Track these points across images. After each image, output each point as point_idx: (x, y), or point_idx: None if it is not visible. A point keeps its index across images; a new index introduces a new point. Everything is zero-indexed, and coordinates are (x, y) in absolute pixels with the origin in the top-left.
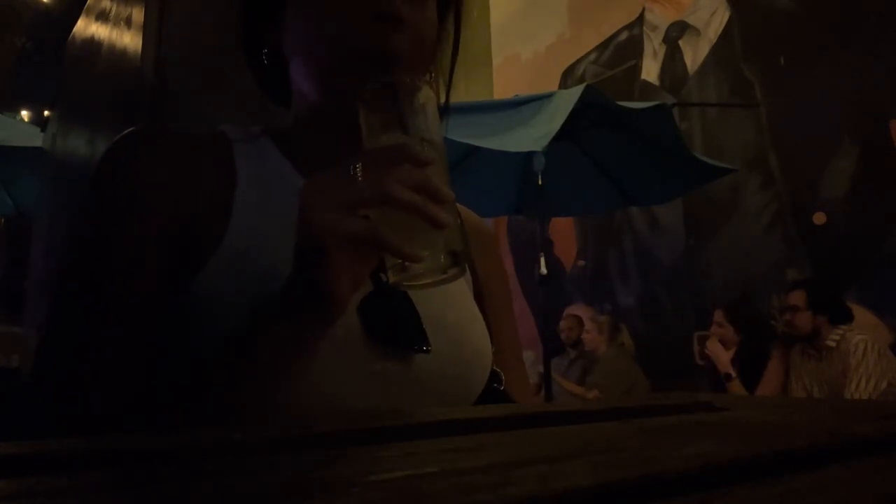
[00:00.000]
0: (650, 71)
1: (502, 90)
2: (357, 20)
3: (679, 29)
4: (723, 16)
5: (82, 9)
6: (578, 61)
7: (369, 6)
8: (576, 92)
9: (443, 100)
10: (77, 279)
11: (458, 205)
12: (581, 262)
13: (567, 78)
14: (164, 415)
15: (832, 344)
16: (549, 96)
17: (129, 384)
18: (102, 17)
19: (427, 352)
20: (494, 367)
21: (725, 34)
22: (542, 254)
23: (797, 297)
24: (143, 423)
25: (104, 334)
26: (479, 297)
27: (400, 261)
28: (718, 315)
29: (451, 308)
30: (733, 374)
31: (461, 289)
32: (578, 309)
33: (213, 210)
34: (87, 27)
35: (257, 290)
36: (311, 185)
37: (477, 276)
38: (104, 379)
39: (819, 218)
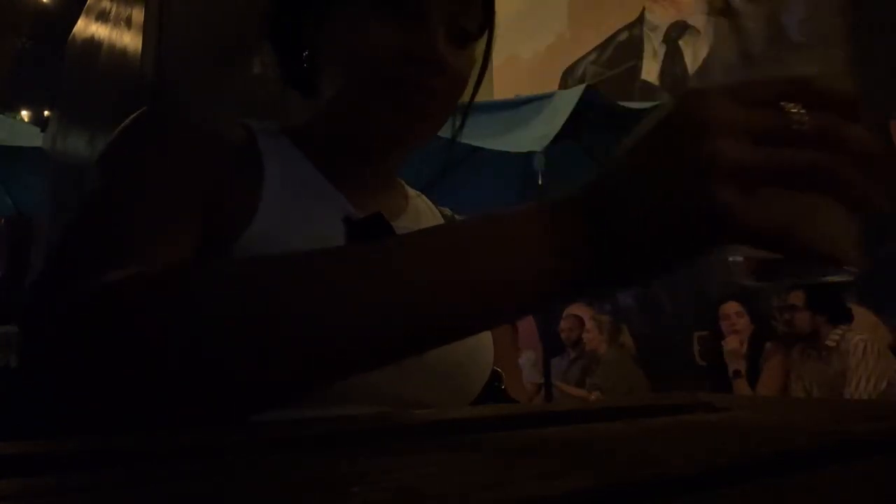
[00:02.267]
0: (650, 71)
1: (502, 90)
2: (402, 59)
3: (679, 29)
4: None
5: (82, 9)
6: (578, 61)
7: (416, 49)
8: (576, 92)
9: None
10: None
11: (449, 212)
12: None
13: (567, 78)
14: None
15: (832, 344)
16: (549, 96)
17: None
18: (102, 17)
19: None
20: (495, 367)
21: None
22: None
23: (796, 297)
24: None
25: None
26: None
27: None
28: (731, 307)
29: None
30: (742, 371)
31: None
32: (579, 309)
33: (245, 190)
34: (87, 27)
35: None
36: (718, 98)
37: None
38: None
39: None
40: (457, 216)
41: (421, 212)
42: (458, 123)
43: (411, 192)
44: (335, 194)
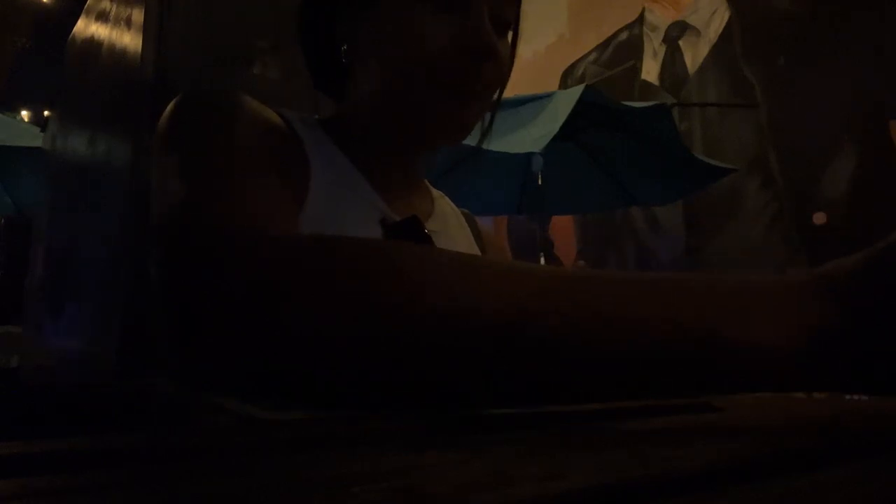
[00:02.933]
0: (650, 71)
1: None
2: (452, 49)
3: (679, 29)
4: (723, 16)
5: (82, 9)
6: (578, 61)
7: (466, 37)
8: (576, 92)
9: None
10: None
11: (469, 213)
12: (581, 262)
13: (567, 78)
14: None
15: None
16: (548, 96)
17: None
18: (102, 17)
19: None
20: None
21: (725, 34)
22: (542, 254)
23: None
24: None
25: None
26: None
27: None
28: None
29: None
30: None
31: None
32: None
33: (298, 175)
34: (87, 27)
35: None
36: None
37: None
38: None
39: (819, 218)
40: (467, 212)
41: (447, 214)
42: (486, 123)
43: (435, 193)
44: (371, 193)
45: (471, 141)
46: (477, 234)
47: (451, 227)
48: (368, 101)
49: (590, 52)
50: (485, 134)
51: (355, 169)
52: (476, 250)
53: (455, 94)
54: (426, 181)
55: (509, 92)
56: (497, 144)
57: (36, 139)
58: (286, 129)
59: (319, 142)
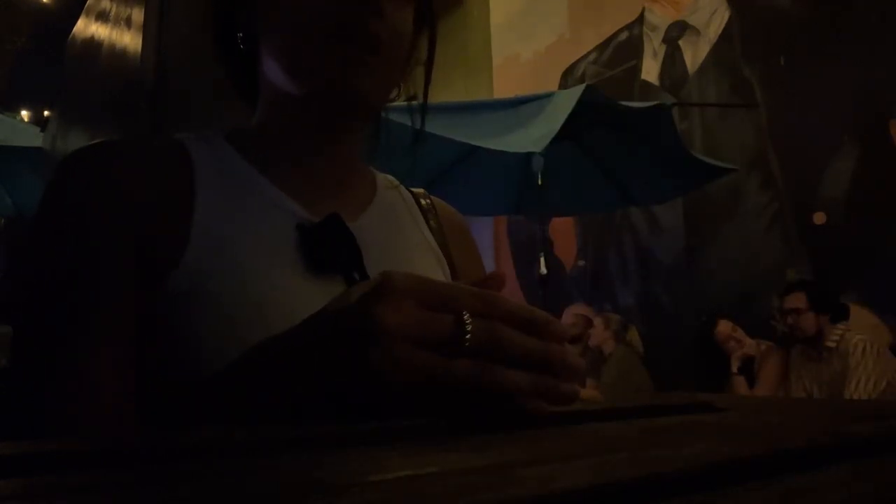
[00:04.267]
0: (650, 71)
1: (502, 90)
2: (339, 2)
3: (679, 29)
4: (723, 16)
5: (82, 9)
6: (578, 61)
7: None
8: (576, 92)
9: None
10: (39, 298)
11: (432, 197)
12: (581, 262)
13: (567, 78)
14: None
15: (832, 344)
16: (548, 96)
17: (113, 404)
18: (102, 17)
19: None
20: None
21: (725, 34)
22: (542, 254)
23: (798, 300)
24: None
25: (80, 351)
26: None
27: None
28: (726, 327)
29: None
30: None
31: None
32: (579, 309)
33: (175, 215)
34: (87, 27)
35: (230, 289)
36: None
37: (454, 269)
38: (85, 403)
39: (819, 218)
40: (432, 198)
41: (390, 205)
42: (417, 122)
43: (383, 181)
44: (282, 199)
45: (470, 140)
46: (437, 229)
47: (391, 218)
48: (266, 91)
49: (590, 52)
50: (419, 132)
51: (261, 176)
52: (426, 241)
53: (345, 54)
54: (371, 170)
55: (509, 92)
56: (498, 144)
57: (36, 139)
58: (173, 161)
59: (219, 158)
